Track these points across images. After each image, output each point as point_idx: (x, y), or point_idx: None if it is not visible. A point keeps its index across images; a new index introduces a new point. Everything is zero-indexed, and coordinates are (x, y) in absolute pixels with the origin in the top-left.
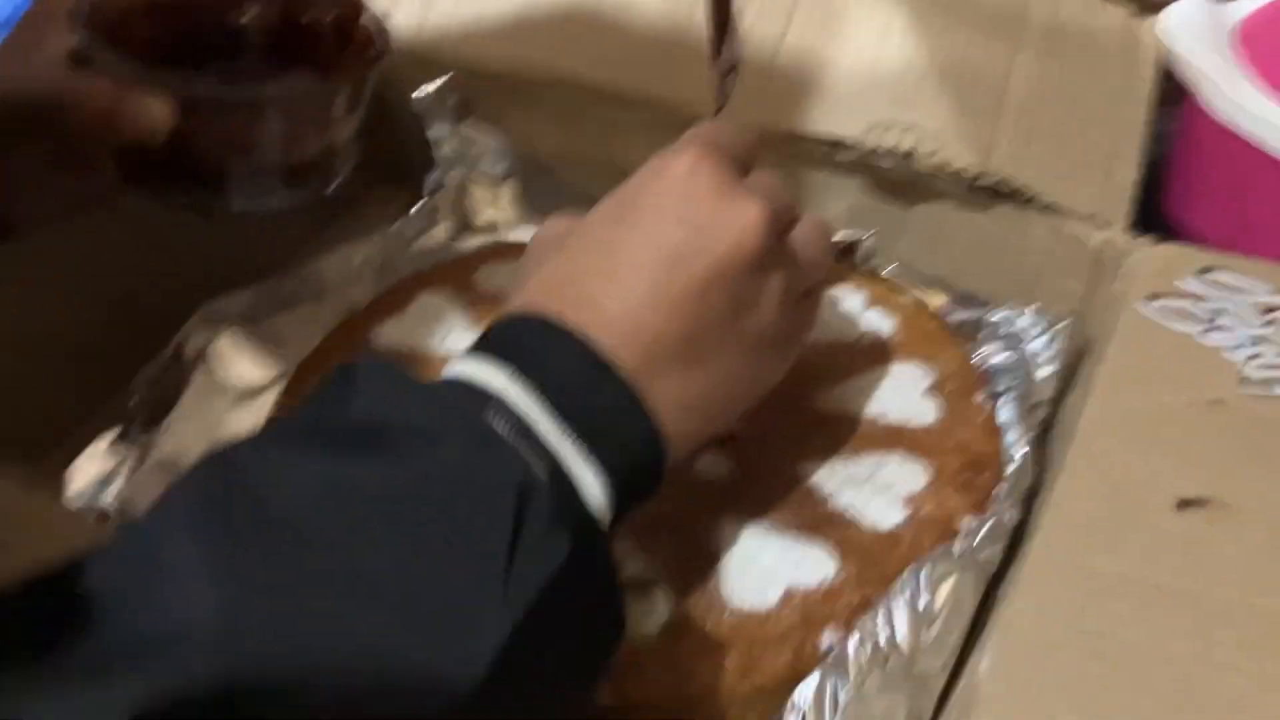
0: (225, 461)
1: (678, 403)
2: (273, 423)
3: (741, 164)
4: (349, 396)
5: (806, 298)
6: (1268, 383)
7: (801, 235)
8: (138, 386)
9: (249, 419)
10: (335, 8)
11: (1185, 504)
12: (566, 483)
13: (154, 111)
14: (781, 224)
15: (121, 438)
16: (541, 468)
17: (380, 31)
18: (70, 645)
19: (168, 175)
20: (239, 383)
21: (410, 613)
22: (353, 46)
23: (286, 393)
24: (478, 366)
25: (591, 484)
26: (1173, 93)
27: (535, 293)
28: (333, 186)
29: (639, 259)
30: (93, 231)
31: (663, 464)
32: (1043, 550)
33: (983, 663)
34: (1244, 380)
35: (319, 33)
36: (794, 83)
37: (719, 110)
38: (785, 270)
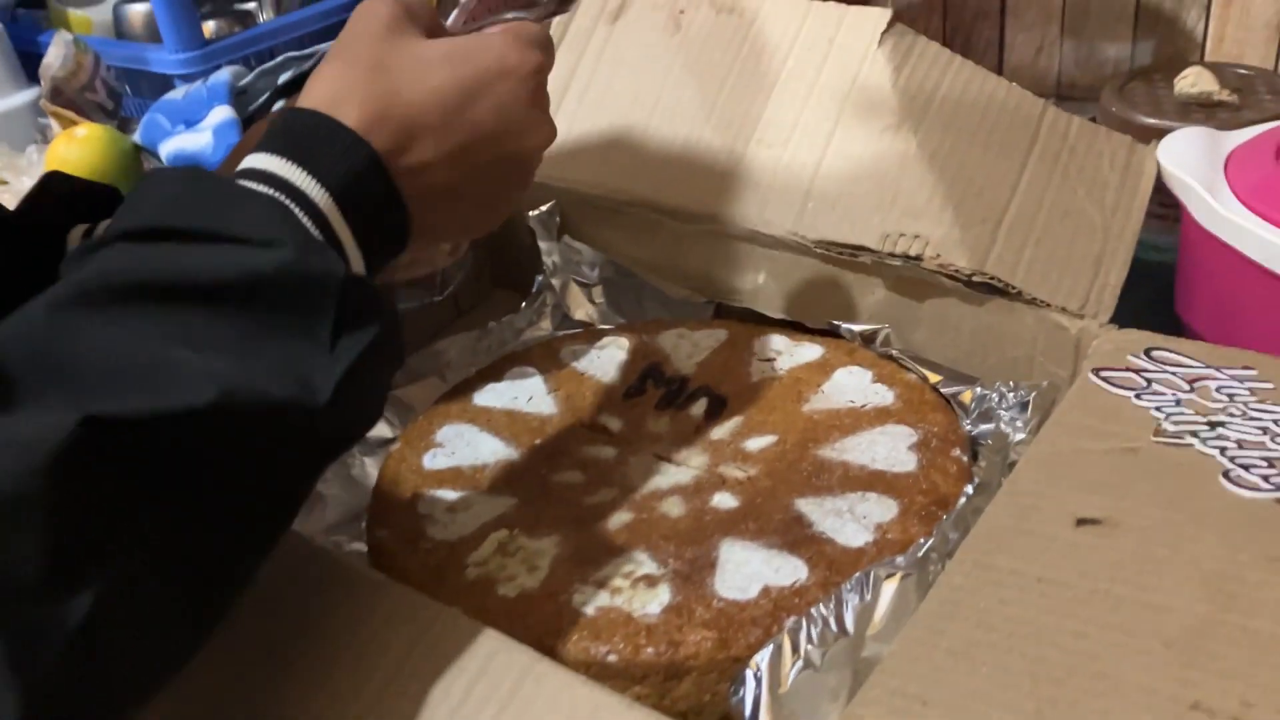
0: (119, 267)
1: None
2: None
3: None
4: (197, 203)
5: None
6: (1179, 434)
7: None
8: None
9: (376, 465)
10: None
11: (1082, 522)
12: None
13: None
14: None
15: None
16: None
17: None
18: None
19: None
20: (371, 436)
21: (269, 363)
22: None
23: (405, 442)
24: (283, 165)
25: (355, 257)
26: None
27: (346, 92)
28: (446, 293)
29: (465, 136)
30: None
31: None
32: (959, 555)
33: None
34: (1160, 432)
35: None
36: (826, 200)
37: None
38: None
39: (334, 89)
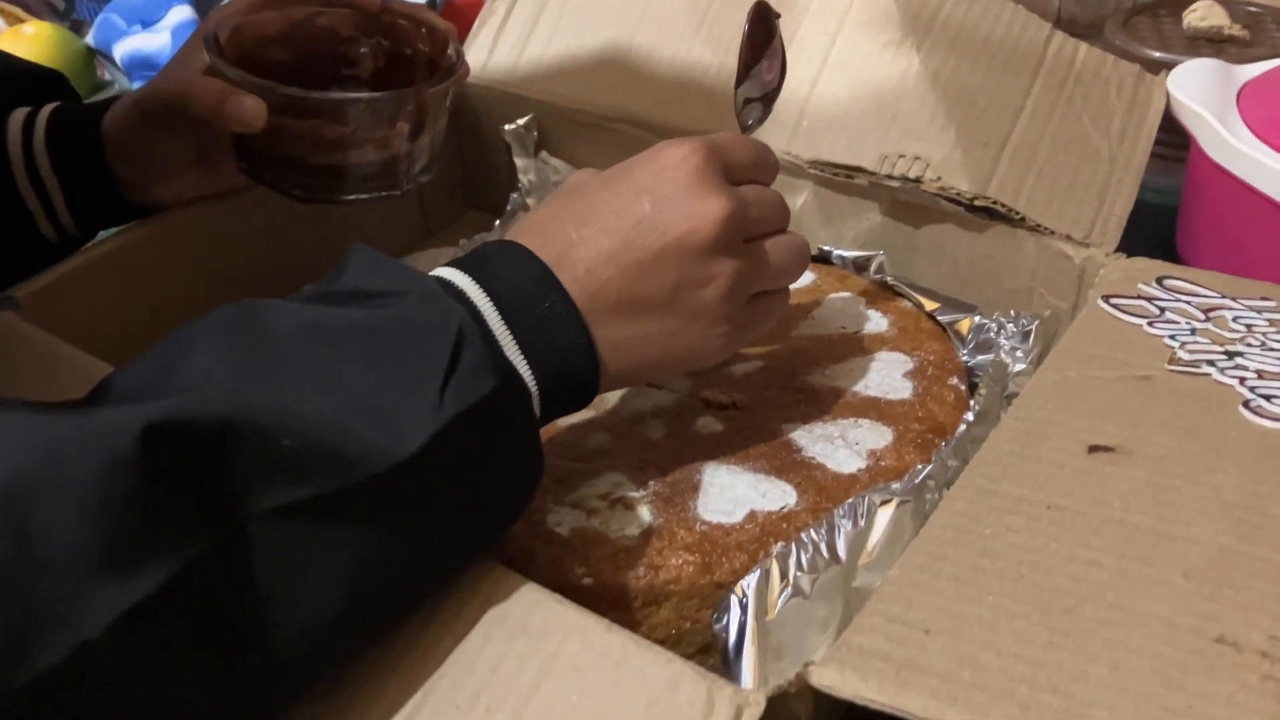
0: (244, 304)
1: (609, 340)
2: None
3: (738, 170)
4: (341, 272)
5: (764, 297)
6: (1195, 363)
7: (776, 245)
8: None
9: None
10: (429, 42)
11: (1095, 449)
12: (501, 353)
13: (248, 106)
14: (750, 227)
15: None
16: (481, 342)
17: (459, 60)
18: (102, 395)
19: (275, 170)
20: None
21: (365, 399)
22: (437, 74)
23: None
24: (449, 270)
25: (524, 372)
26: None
27: (527, 224)
28: (414, 182)
29: (609, 222)
30: (228, 212)
31: (592, 377)
32: (963, 480)
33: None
34: (1175, 360)
35: (415, 63)
36: (822, 119)
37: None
38: (741, 264)
39: (526, 221)
